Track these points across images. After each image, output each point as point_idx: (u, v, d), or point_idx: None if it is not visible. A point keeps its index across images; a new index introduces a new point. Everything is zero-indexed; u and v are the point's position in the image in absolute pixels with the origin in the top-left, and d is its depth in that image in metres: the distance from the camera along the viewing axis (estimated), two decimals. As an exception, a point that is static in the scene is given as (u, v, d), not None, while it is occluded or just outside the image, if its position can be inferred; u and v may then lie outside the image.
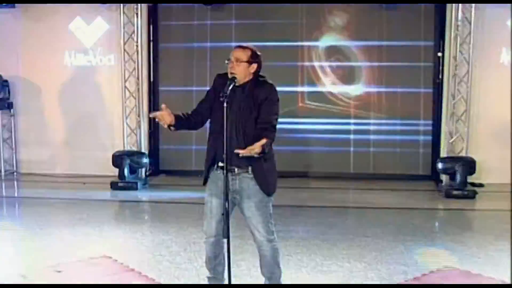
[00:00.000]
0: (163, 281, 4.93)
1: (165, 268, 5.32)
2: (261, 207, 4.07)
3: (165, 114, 4.00)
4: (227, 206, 3.89)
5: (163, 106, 4.04)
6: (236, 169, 4.01)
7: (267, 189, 4.06)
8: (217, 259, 4.29)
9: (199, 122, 4.23)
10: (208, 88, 4.38)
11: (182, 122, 4.11)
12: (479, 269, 5.28)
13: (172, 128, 4.05)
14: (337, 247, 6.04)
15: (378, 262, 5.53)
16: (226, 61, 4.11)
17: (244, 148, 3.83)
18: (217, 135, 3.98)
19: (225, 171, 3.85)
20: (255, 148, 3.77)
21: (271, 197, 4.14)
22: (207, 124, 4.24)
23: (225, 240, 3.99)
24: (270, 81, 4.14)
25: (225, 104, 3.83)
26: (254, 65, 4.08)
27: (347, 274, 5.19)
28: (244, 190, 4.05)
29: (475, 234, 7.05)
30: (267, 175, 4.07)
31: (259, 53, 4.13)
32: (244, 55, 4.05)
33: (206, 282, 4.45)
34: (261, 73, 4.16)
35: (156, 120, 4.09)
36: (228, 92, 3.86)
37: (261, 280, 4.51)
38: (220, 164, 3.93)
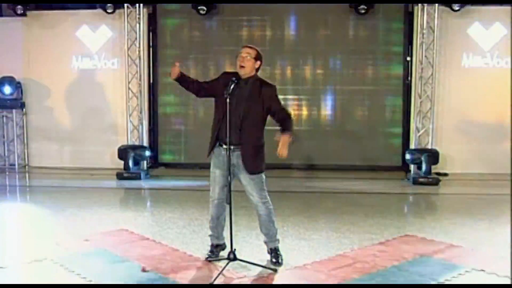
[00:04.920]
0: (174, 247, 5.90)
1: (175, 237, 6.30)
2: (254, 176, 5.08)
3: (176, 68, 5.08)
4: (229, 178, 4.94)
5: (177, 64, 5.10)
6: (232, 147, 4.99)
7: (251, 170, 5.04)
8: (219, 219, 5.32)
9: (198, 91, 5.26)
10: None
11: (185, 80, 5.18)
12: (433, 236, 6.32)
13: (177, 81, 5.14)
14: (317, 222, 7.07)
15: (350, 232, 6.56)
16: (237, 79, 5.01)
17: (239, 131, 4.94)
18: (220, 120, 4.99)
19: (228, 152, 4.91)
20: (285, 149, 4.86)
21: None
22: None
23: (226, 204, 5.05)
24: (272, 82, 5.21)
25: (227, 101, 4.86)
26: (258, 62, 5.12)
27: (324, 241, 6.20)
28: (239, 164, 5.04)
29: (434, 211, 8.27)
30: (251, 158, 5.04)
31: (261, 53, 5.17)
32: (253, 52, 5.08)
33: (209, 242, 5.49)
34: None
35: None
36: (230, 91, 4.89)
37: (255, 244, 5.61)
38: (223, 145, 4.97)
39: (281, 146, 4.88)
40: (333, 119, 11.19)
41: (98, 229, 6.67)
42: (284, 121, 5.04)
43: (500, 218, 6.97)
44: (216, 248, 5.47)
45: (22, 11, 10.91)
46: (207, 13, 10.66)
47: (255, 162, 5.08)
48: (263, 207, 5.18)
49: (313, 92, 11.17)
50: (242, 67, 5.04)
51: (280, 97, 5.26)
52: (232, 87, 4.94)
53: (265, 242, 5.41)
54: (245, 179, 5.12)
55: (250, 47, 5.14)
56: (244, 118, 4.99)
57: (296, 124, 10.85)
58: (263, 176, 5.19)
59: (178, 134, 11.36)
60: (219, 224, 5.38)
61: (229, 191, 4.95)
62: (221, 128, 5.00)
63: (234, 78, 5.03)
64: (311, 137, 11.09)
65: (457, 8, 10.10)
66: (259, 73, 5.22)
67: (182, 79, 5.17)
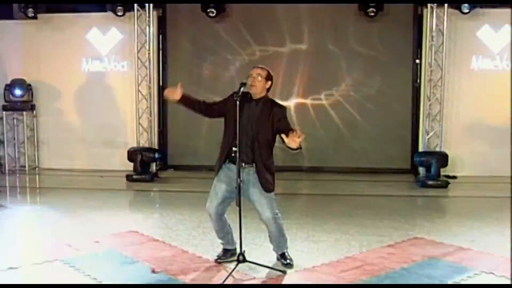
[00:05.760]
0: (184, 248, 5.95)
1: (184, 239, 6.36)
2: (264, 191, 5.07)
3: (173, 91, 5.11)
4: (238, 181, 4.93)
5: (179, 84, 5.14)
6: (243, 164, 5.00)
7: (266, 187, 5.05)
8: (223, 230, 5.35)
9: (209, 112, 5.28)
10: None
11: (190, 102, 5.20)
12: (442, 239, 6.34)
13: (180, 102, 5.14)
14: (326, 224, 7.11)
15: (359, 234, 6.60)
16: (246, 81, 5.03)
17: (251, 150, 4.98)
18: (230, 138, 5.01)
19: (238, 159, 4.88)
20: (297, 140, 4.68)
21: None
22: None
23: (226, 217, 5.20)
24: (283, 104, 5.24)
25: (237, 103, 4.87)
26: (269, 82, 5.13)
27: (333, 243, 6.24)
28: (250, 180, 5.05)
29: (443, 214, 8.29)
30: (266, 175, 5.05)
31: (272, 73, 5.19)
32: (263, 73, 5.08)
33: (220, 248, 5.52)
34: None
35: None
36: (240, 93, 4.91)
37: (264, 247, 5.63)
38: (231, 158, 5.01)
39: (290, 139, 4.73)
40: (341, 122, 11.14)
41: (108, 231, 6.72)
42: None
43: (510, 221, 6.94)
44: (228, 252, 5.49)
45: (33, 14, 10.96)
46: (216, 15, 10.68)
47: (269, 180, 5.10)
48: (274, 225, 5.16)
49: (321, 94, 11.15)
50: (253, 86, 5.05)
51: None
52: (242, 89, 4.96)
53: (274, 250, 5.45)
54: (255, 195, 5.09)
55: (261, 68, 5.15)
56: (256, 137, 5.02)
57: (304, 127, 11.10)
58: (273, 193, 5.19)
59: (187, 136, 11.39)
60: (226, 234, 5.40)
61: (239, 193, 4.96)
62: (231, 147, 5.00)
63: (243, 81, 5.05)
64: (320, 139, 11.09)
65: (466, 11, 10.07)
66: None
67: (186, 101, 5.19)
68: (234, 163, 4.97)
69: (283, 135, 4.83)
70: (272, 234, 5.26)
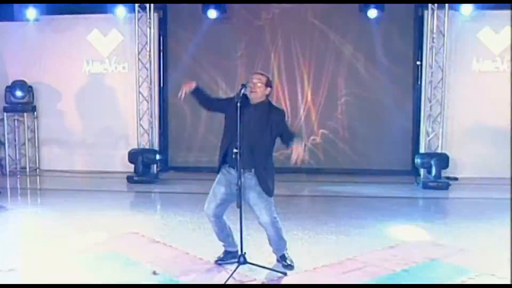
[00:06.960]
0: (185, 250, 5.95)
1: (185, 240, 6.35)
2: (262, 195, 5.05)
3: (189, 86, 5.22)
4: (239, 182, 4.90)
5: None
6: (242, 170, 4.95)
7: (267, 191, 5.05)
8: (223, 233, 5.35)
9: (207, 104, 5.36)
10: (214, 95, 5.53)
11: (202, 94, 5.29)
12: (443, 241, 6.36)
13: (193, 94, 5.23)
14: (326, 225, 7.09)
15: (360, 236, 6.60)
16: (247, 84, 5.04)
17: (251, 155, 4.95)
18: (228, 139, 5.01)
19: (238, 157, 4.85)
20: (300, 155, 4.84)
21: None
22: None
23: (225, 219, 5.21)
24: (281, 107, 5.27)
25: (238, 105, 4.86)
26: (269, 89, 5.13)
27: (334, 245, 6.25)
28: (248, 185, 5.02)
29: (444, 216, 8.28)
30: (266, 180, 5.05)
31: (271, 80, 5.21)
32: (263, 79, 5.09)
33: (222, 249, 5.52)
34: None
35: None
36: (241, 95, 4.91)
37: (264, 249, 5.61)
38: (232, 167, 5.01)
39: (295, 153, 4.86)
40: (342, 123, 11.14)
41: (109, 233, 6.73)
42: (291, 139, 5.00)
43: (510, 222, 6.95)
44: (229, 254, 5.48)
45: (34, 16, 11.00)
46: (217, 17, 10.71)
47: (269, 185, 5.09)
48: (272, 228, 5.17)
49: (322, 95, 11.15)
50: (253, 92, 5.04)
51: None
52: (242, 91, 4.96)
53: (274, 252, 5.47)
54: (253, 199, 5.09)
55: (261, 74, 5.16)
56: (256, 143, 5.00)
57: (307, 129, 11.11)
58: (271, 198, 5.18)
59: (188, 138, 11.40)
60: (226, 236, 5.40)
61: (240, 194, 4.95)
62: (229, 148, 4.99)
63: (243, 83, 5.06)
64: (320, 141, 11.09)
65: (467, 13, 10.08)
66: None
67: (199, 92, 5.25)
68: (233, 168, 4.99)
69: (291, 149, 4.91)
70: (271, 237, 5.28)
